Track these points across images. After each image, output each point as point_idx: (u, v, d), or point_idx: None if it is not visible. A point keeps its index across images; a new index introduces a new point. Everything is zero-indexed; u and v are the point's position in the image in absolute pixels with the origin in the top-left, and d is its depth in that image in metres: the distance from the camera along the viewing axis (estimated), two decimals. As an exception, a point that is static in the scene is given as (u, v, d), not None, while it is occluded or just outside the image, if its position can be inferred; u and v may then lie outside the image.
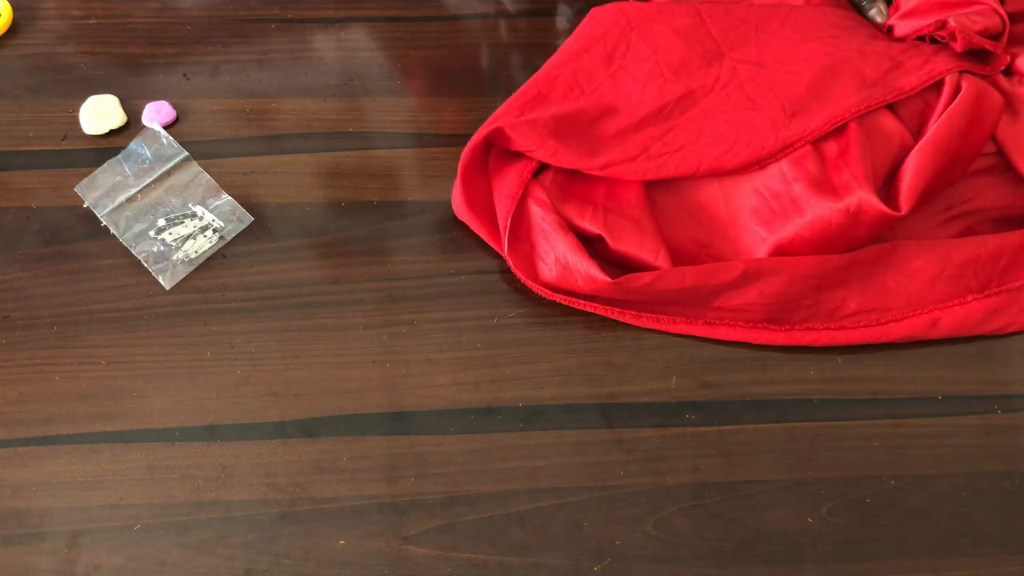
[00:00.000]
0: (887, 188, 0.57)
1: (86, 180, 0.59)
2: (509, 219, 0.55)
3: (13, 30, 0.66)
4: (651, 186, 0.58)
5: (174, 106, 0.63)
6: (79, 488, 0.49)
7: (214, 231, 0.57)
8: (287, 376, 0.53)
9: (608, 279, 0.52)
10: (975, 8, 0.60)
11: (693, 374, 0.54)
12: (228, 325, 0.54)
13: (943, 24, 0.59)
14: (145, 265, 0.56)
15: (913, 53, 0.60)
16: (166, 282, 0.56)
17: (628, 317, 0.55)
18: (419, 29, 0.68)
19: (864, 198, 0.53)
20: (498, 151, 0.59)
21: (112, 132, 0.61)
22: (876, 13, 0.64)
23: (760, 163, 0.57)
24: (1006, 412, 0.53)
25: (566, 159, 0.55)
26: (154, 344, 0.54)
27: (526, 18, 0.69)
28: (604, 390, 0.53)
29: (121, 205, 0.58)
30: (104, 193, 0.58)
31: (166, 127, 0.62)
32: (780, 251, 0.55)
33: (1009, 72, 0.61)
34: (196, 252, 0.57)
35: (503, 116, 0.57)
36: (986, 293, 0.55)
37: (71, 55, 0.65)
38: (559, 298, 0.55)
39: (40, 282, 0.56)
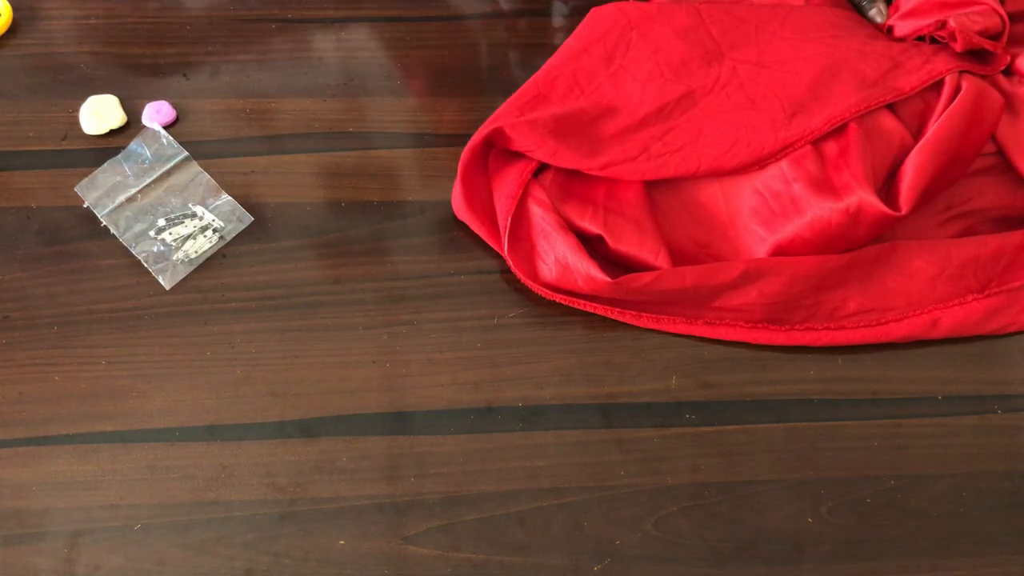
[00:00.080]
0: (887, 188, 0.57)
1: (86, 180, 0.59)
2: (509, 219, 0.55)
3: (13, 30, 0.66)
4: (651, 186, 0.58)
5: (174, 106, 0.63)
6: (79, 488, 0.49)
7: (214, 231, 0.57)
8: (287, 376, 0.53)
9: (608, 279, 0.52)
10: (975, 8, 0.60)
11: (693, 374, 0.54)
12: (228, 325, 0.54)
13: (943, 24, 0.59)
14: (145, 265, 0.56)
15: (913, 53, 0.60)
16: (166, 282, 0.56)
17: (628, 317, 0.55)
18: (419, 29, 0.68)
19: (864, 198, 0.53)
20: (498, 151, 0.59)
21: (112, 132, 0.61)
22: (876, 13, 0.64)
23: (760, 163, 0.57)
24: (1006, 412, 0.53)
25: (566, 159, 0.55)
26: (154, 344, 0.54)
27: (526, 18, 0.69)
28: (604, 390, 0.53)
29: (121, 205, 0.58)
30: (104, 193, 0.58)
31: (166, 127, 0.62)
32: (780, 251, 0.55)
33: (1009, 72, 0.61)
34: (196, 252, 0.57)
35: (503, 116, 0.57)
36: (986, 293, 0.55)
37: (71, 55, 0.65)
38: (559, 298, 0.55)
39: (40, 282, 0.56)
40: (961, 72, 0.58)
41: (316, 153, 0.61)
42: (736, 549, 0.49)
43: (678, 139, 0.57)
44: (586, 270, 0.53)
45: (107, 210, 0.58)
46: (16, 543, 0.48)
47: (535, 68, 0.61)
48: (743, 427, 0.52)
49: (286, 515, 0.49)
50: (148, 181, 0.59)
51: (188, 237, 0.57)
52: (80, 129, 0.61)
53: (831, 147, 0.57)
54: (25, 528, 0.48)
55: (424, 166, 0.61)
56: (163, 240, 0.57)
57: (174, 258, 0.56)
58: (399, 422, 0.52)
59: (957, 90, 0.57)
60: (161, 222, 0.57)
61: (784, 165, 0.56)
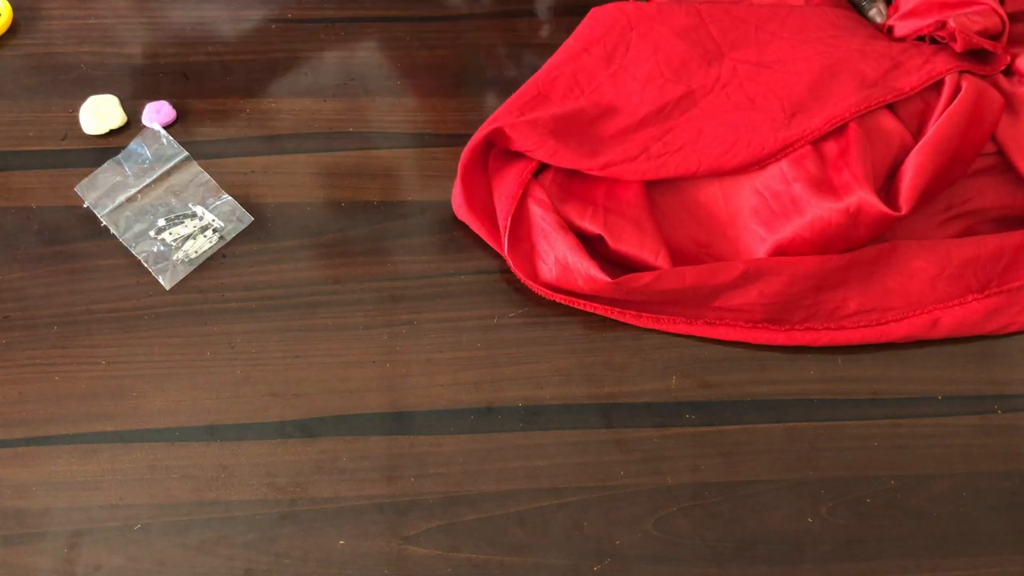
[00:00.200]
0: (887, 188, 0.57)
1: (86, 180, 0.59)
2: (509, 219, 0.55)
3: (13, 30, 0.66)
4: (651, 186, 0.58)
5: (174, 106, 0.63)
6: (79, 488, 0.49)
7: (214, 231, 0.57)
8: (287, 376, 0.53)
9: (608, 279, 0.52)
10: (975, 8, 0.60)
11: (693, 374, 0.54)
12: (228, 325, 0.54)
13: (943, 24, 0.59)
14: (145, 265, 0.56)
15: (913, 53, 0.60)
16: (166, 282, 0.56)
17: (628, 317, 0.55)
18: (419, 29, 0.68)
19: (864, 198, 0.53)
20: (498, 151, 0.59)
21: (112, 132, 0.61)
22: (876, 13, 0.64)
23: (760, 163, 0.57)
24: (1006, 412, 0.53)
25: (566, 159, 0.55)
26: (154, 344, 0.54)
27: (525, 18, 0.69)
28: (604, 390, 0.53)
29: (121, 205, 0.58)
30: (104, 193, 0.58)
31: (166, 127, 0.62)
32: (780, 251, 0.55)
33: (1009, 72, 0.61)
34: (196, 252, 0.57)
35: (503, 116, 0.57)
36: (986, 293, 0.55)
37: (71, 55, 0.65)
38: (559, 298, 0.55)
39: (40, 282, 0.56)
40: (961, 72, 0.58)
41: (316, 153, 0.61)
42: (736, 549, 0.49)
43: (678, 139, 0.57)
44: (586, 270, 0.53)
45: (107, 210, 0.58)
46: (16, 543, 0.48)
47: (535, 68, 0.61)
48: (743, 427, 0.52)
49: (286, 515, 0.49)
50: (148, 181, 0.59)
51: (188, 237, 0.57)
52: (80, 129, 0.61)
53: (831, 147, 0.57)
54: (25, 528, 0.48)
55: (424, 166, 0.61)
56: (163, 240, 0.57)
57: (174, 258, 0.56)
58: (399, 422, 0.52)
59: (957, 90, 0.57)
60: (161, 222, 0.57)
61: (784, 165, 0.56)
